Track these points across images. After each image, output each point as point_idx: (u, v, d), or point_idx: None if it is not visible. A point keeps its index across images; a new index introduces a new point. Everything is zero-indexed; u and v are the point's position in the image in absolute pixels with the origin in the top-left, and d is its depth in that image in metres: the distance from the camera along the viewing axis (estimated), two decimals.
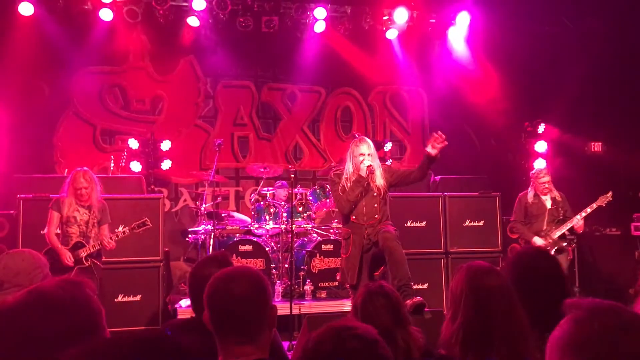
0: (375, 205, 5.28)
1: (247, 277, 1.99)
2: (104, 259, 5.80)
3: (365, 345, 1.46)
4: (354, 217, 5.27)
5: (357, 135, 8.30)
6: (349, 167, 5.30)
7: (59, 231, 5.66)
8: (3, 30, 7.85)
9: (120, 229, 5.72)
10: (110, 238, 5.63)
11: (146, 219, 5.85)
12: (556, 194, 6.64)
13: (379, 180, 5.29)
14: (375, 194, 5.28)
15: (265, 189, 7.83)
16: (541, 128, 9.19)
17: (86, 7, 8.16)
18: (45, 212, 6.41)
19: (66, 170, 8.24)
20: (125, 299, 6.42)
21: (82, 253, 5.56)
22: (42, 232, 6.39)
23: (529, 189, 6.78)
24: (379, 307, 2.57)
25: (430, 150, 5.11)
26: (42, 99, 8.50)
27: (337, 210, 7.62)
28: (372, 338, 1.49)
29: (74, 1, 8.11)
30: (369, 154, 5.25)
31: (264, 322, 1.97)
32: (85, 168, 5.82)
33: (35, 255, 2.77)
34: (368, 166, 5.16)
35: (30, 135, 8.25)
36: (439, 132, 5.14)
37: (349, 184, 5.23)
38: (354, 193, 5.19)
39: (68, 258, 5.48)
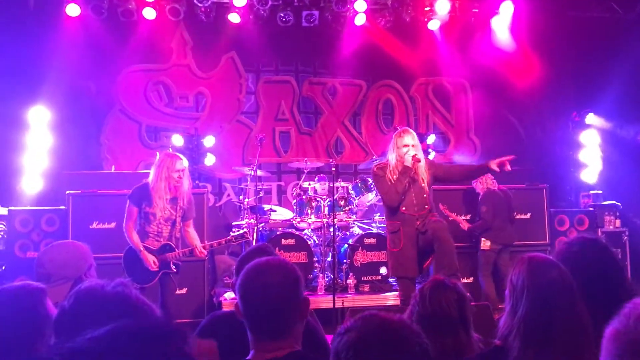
0: (425, 195, 5.22)
1: (278, 268, 1.96)
2: None
3: (395, 333, 1.43)
4: (404, 208, 5.19)
5: (399, 128, 8.26)
6: (392, 159, 5.23)
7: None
8: (52, 31, 8.09)
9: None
10: (204, 247, 5.22)
11: (246, 230, 5.58)
12: None
13: (424, 173, 5.22)
14: (423, 184, 5.21)
15: (307, 183, 7.84)
16: (589, 118, 8.92)
17: (130, 6, 8.32)
18: (93, 208, 6.61)
19: (113, 166, 8.45)
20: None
21: (170, 258, 5.12)
22: (90, 226, 6.59)
23: None
24: (450, 300, 2.47)
25: (494, 167, 5.04)
26: (89, 97, 8.72)
27: (380, 203, 7.61)
28: (399, 323, 1.46)
29: (118, 1, 8.29)
30: (412, 145, 5.18)
31: (296, 314, 1.94)
32: (176, 153, 5.32)
33: (80, 247, 2.83)
34: (413, 155, 5.09)
35: (78, 132, 8.47)
36: (509, 161, 5.08)
37: (394, 177, 5.17)
38: (401, 184, 5.12)
39: (153, 263, 5.02)
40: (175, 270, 5.18)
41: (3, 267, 6.79)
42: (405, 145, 5.17)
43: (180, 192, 5.11)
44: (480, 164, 5.28)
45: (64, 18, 8.13)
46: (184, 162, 5.18)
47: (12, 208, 6.90)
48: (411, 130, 5.34)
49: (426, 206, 5.23)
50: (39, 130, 7.99)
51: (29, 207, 7.13)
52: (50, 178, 7.88)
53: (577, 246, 2.44)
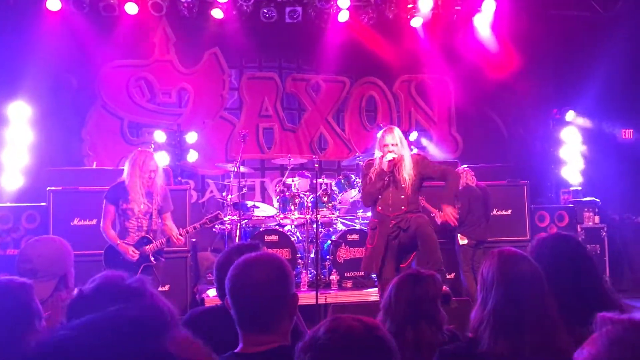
0: (402, 196, 5.20)
1: (267, 263, 1.96)
2: None
3: (365, 328, 1.44)
4: (379, 207, 5.24)
5: (381, 125, 8.28)
6: (377, 158, 5.27)
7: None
8: (32, 26, 7.99)
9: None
10: (180, 234, 5.27)
11: (219, 212, 5.62)
12: None
13: (408, 171, 5.19)
14: (403, 185, 5.19)
15: (290, 179, 7.85)
16: (569, 115, 9.03)
17: (112, 1, 8.25)
18: (74, 204, 6.56)
19: (95, 163, 8.37)
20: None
21: (149, 250, 5.17)
22: (71, 223, 6.54)
23: None
24: (410, 293, 2.52)
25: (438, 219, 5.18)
26: (71, 92, 8.64)
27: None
28: (375, 327, 1.47)
29: None
30: (393, 144, 5.16)
31: (284, 310, 1.94)
32: (149, 150, 5.43)
33: (64, 243, 2.81)
34: (389, 160, 5.10)
35: (59, 128, 8.39)
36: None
37: (374, 177, 5.21)
38: (374, 186, 5.18)
39: (132, 252, 5.07)
40: (155, 262, 5.22)
41: None
42: (385, 145, 5.17)
43: (155, 186, 5.21)
44: (443, 196, 5.38)
45: (44, 12, 8.04)
46: (157, 161, 5.27)
47: None
48: (395, 129, 5.32)
49: (402, 207, 5.18)
50: (19, 126, 7.90)
51: (9, 204, 7.05)
52: (31, 174, 7.80)
53: (550, 242, 2.47)
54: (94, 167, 8.11)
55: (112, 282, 1.72)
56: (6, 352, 1.73)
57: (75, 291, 1.78)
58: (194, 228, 5.46)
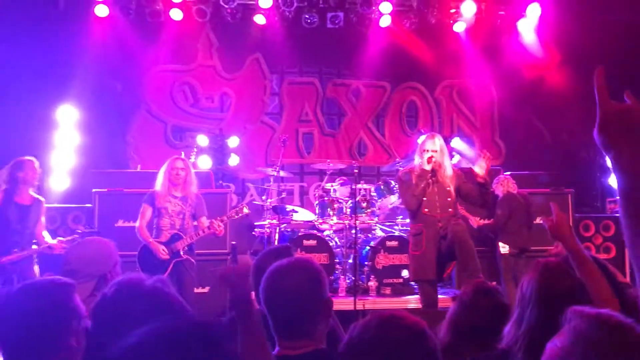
0: (449, 199, 5.23)
1: (301, 270, 1.97)
2: None
3: (410, 335, 1.42)
4: (426, 209, 5.20)
5: (422, 131, 8.23)
6: (416, 163, 5.33)
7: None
8: (80, 31, 8.22)
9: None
10: (208, 227, 5.52)
11: (244, 204, 5.92)
12: None
13: (448, 177, 5.26)
14: (448, 188, 5.22)
15: (329, 184, 7.85)
16: None
17: (157, 7, 8.43)
18: (118, 206, 6.70)
19: (139, 165, 8.55)
20: (195, 290, 6.59)
21: (180, 245, 5.42)
22: (116, 224, 6.69)
23: None
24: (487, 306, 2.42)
25: (478, 170, 5.02)
26: (116, 96, 8.85)
27: (403, 206, 7.59)
28: (419, 329, 1.45)
29: (146, 2, 8.41)
30: (433, 150, 5.21)
31: (318, 315, 1.94)
32: (182, 156, 5.89)
33: (105, 244, 2.87)
34: (429, 157, 5.14)
35: (105, 131, 8.60)
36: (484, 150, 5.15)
37: (415, 179, 5.21)
38: (417, 187, 5.16)
39: (162, 251, 5.35)
40: (185, 256, 5.42)
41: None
42: (426, 150, 5.21)
43: (188, 191, 5.55)
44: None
45: (92, 18, 8.27)
46: (186, 162, 5.68)
47: None
48: (437, 135, 5.38)
49: (449, 209, 5.22)
50: (67, 129, 8.14)
51: (56, 205, 7.26)
52: (78, 176, 8.01)
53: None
54: (138, 169, 8.28)
55: (132, 285, 1.76)
56: (44, 350, 1.77)
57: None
58: (222, 220, 5.61)
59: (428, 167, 5.15)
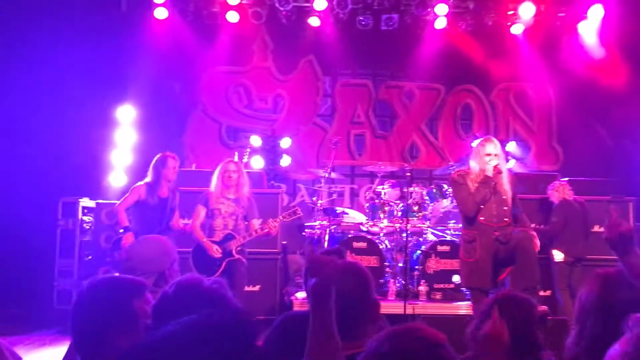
0: (505, 208, 5.09)
1: (352, 274, 2.01)
2: None
3: (426, 347, 1.40)
4: (482, 218, 5.08)
5: (477, 135, 8.09)
6: (474, 168, 5.15)
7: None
8: (140, 33, 8.46)
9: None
10: (261, 228, 5.66)
11: (297, 207, 6.05)
12: None
13: (506, 184, 5.13)
14: (504, 197, 5.10)
15: (381, 187, 7.82)
16: None
17: (214, 9, 8.60)
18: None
19: (194, 165, 8.74)
20: (246, 288, 6.69)
21: (232, 245, 5.56)
22: (171, 222, 6.85)
23: None
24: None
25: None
26: (173, 97, 9.07)
27: (455, 210, 7.46)
28: (436, 341, 1.43)
29: (203, 4, 8.59)
30: (495, 155, 5.08)
31: (366, 317, 1.98)
32: (234, 160, 6.13)
33: (164, 242, 2.95)
34: (495, 166, 5.00)
35: (161, 131, 8.82)
36: None
37: (474, 185, 5.08)
38: (480, 194, 5.02)
39: (216, 250, 5.49)
40: (237, 256, 5.54)
41: (89, 257, 7.18)
42: (488, 155, 5.07)
43: (240, 193, 5.69)
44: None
45: (152, 21, 8.51)
46: (238, 165, 5.86)
47: (99, 201, 7.29)
48: (494, 140, 5.24)
49: (506, 219, 5.09)
50: (127, 128, 8.40)
51: (114, 201, 7.49)
52: (135, 174, 8.24)
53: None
54: (194, 168, 8.45)
55: (191, 285, 1.81)
56: (102, 350, 1.83)
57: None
58: (274, 220, 5.72)
59: (490, 174, 5.03)
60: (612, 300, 1.81)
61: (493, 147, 5.11)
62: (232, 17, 8.58)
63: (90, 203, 7.47)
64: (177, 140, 9.18)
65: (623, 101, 8.61)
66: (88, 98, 7.83)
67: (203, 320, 1.16)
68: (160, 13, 8.45)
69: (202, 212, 5.70)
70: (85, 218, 7.40)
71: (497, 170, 5.01)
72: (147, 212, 5.65)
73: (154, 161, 5.95)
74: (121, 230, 5.52)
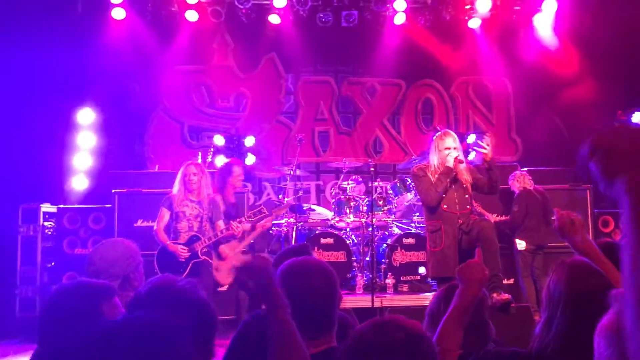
0: (467, 196, 5.29)
1: (321, 271, 2.02)
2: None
3: (408, 337, 1.45)
4: (445, 206, 5.24)
5: (438, 128, 8.20)
6: (434, 161, 5.31)
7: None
8: (98, 35, 8.32)
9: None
10: (226, 228, 5.67)
11: (262, 206, 6.04)
12: None
13: (466, 174, 5.30)
14: (465, 185, 5.28)
15: (346, 182, 7.88)
16: (636, 116, 8.68)
17: (173, 9, 8.52)
18: (138, 206, 6.80)
19: (157, 166, 8.65)
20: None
21: (198, 247, 5.55)
22: (135, 224, 6.78)
23: None
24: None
25: (484, 150, 5.15)
26: (134, 98, 8.95)
27: (419, 203, 7.56)
28: (416, 332, 1.48)
29: (162, 4, 8.50)
30: (454, 147, 5.25)
31: (335, 314, 2.00)
32: (196, 161, 6.10)
33: (128, 245, 2.92)
34: (455, 157, 5.17)
35: (123, 132, 8.72)
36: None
37: (435, 177, 5.20)
38: (442, 184, 5.18)
39: (181, 249, 5.48)
40: (203, 257, 5.55)
41: (52, 263, 7.05)
42: (447, 148, 5.24)
43: (203, 195, 5.67)
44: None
45: (110, 21, 8.37)
46: (199, 167, 5.78)
47: (61, 206, 7.16)
48: (453, 133, 5.41)
49: (468, 206, 5.28)
50: (87, 131, 8.26)
51: (76, 205, 7.38)
52: (97, 177, 8.13)
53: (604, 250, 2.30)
54: (156, 170, 8.37)
55: (163, 284, 1.81)
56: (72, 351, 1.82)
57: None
58: (240, 222, 5.73)
59: (451, 165, 5.17)
60: (581, 289, 1.83)
61: (452, 140, 5.27)
62: (191, 16, 8.51)
63: (52, 208, 7.33)
64: (138, 141, 9.08)
65: (578, 93, 8.85)
66: (47, 101, 7.68)
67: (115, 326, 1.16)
68: (118, 13, 8.33)
69: (166, 214, 5.66)
70: (46, 224, 7.25)
71: (458, 161, 5.16)
72: (228, 220, 5.79)
73: (219, 170, 6.24)
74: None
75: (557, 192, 7.17)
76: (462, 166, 5.26)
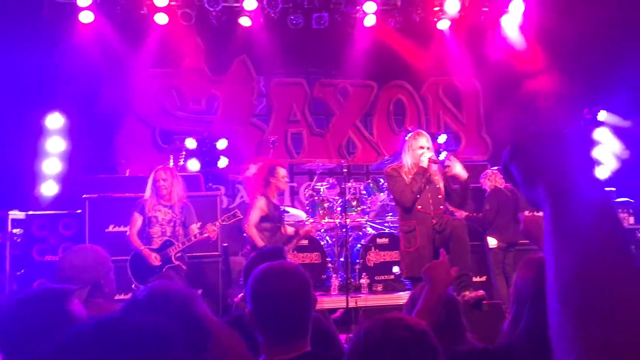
0: (440, 196, 5.31)
1: (294, 274, 1.99)
2: None
3: (413, 335, 1.48)
4: (419, 206, 5.25)
5: (410, 129, 8.27)
6: (407, 161, 5.30)
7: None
8: (66, 38, 8.21)
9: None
10: (200, 233, 5.60)
11: (237, 210, 5.96)
12: None
13: (438, 175, 5.36)
14: (438, 185, 5.32)
15: (319, 184, 7.90)
16: (601, 115, 8.89)
17: (142, 12, 8.44)
18: (109, 211, 6.72)
19: (128, 170, 8.54)
20: None
21: (172, 252, 5.50)
22: (106, 230, 6.69)
23: None
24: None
25: (459, 172, 5.16)
26: (104, 102, 8.83)
27: (392, 203, 7.62)
28: (421, 329, 1.51)
29: (131, 7, 8.41)
30: (428, 147, 5.28)
31: (309, 318, 1.97)
32: (167, 165, 6.03)
33: (98, 251, 2.89)
34: (429, 157, 5.20)
35: (93, 137, 8.59)
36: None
37: (409, 177, 5.23)
38: (417, 184, 5.19)
39: (154, 258, 5.42)
40: (177, 262, 5.50)
41: (22, 271, 6.91)
42: (421, 147, 5.25)
43: (174, 200, 5.61)
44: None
45: (77, 25, 8.25)
46: (169, 172, 5.73)
47: (30, 212, 7.02)
48: (425, 133, 5.44)
49: (441, 206, 5.31)
50: (56, 136, 8.12)
51: (46, 212, 7.25)
52: (67, 182, 8.00)
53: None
54: (127, 174, 8.27)
55: (162, 291, 1.80)
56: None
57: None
58: (214, 224, 5.65)
59: (425, 165, 5.20)
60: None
61: (425, 140, 5.30)
62: (161, 19, 8.44)
63: (20, 215, 7.18)
64: (109, 145, 8.96)
65: (545, 92, 9.03)
66: (14, 106, 7.54)
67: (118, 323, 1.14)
68: (86, 17, 8.21)
69: (138, 220, 5.60)
70: (15, 231, 7.11)
71: (432, 161, 5.20)
72: (274, 224, 5.80)
73: (261, 170, 6.08)
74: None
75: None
76: (436, 166, 5.30)
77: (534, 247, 5.88)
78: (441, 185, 5.35)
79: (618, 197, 8.29)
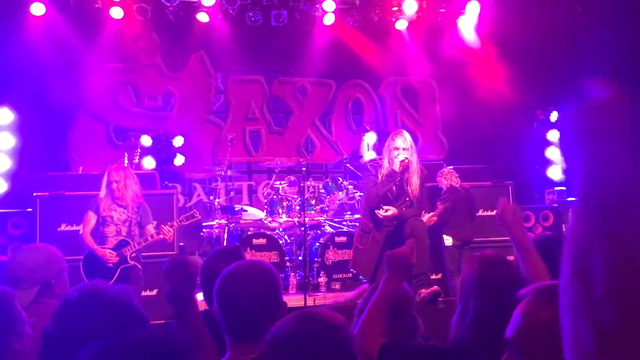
0: (407, 199, 5.21)
1: (259, 274, 1.97)
2: None
3: (325, 329, 1.48)
4: (383, 212, 5.19)
5: (368, 128, 8.32)
6: (385, 162, 5.23)
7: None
8: (15, 31, 7.93)
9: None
10: (156, 233, 5.50)
11: (195, 211, 5.88)
12: None
13: (415, 178, 5.18)
14: (407, 198, 5.17)
15: (278, 182, 7.87)
16: (554, 116, 9.14)
17: (97, 5, 8.24)
18: (61, 210, 6.54)
19: (81, 168, 8.33)
20: (142, 293, 6.48)
21: (127, 252, 5.42)
22: (58, 229, 6.51)
23: None
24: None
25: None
26: (56, 97, 8.56)
27: (350, 202, 7.68)
28: (335, 324, 1.51)
29: (85, 0, 8.19)
30: (404, 149, 5.14)
31: (274, 318, 1.93)
32: (120, 164, 5.90)
33: (49, 250, 2.81)
34: (402, 160, 5.07)
35: (45, 134, 8.33)
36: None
37: (381, 178, 5.16)
38: (384, 187, 5.11)
39: (109, 254, 5.32)
40: (132, 263, 5.41)
41: None
42: (396, 149, 5.15)
43: (126, 200, 5.50)
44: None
45: (28, 17, 7.99)
46: (121, 172, 5.58)
47: None
48: (405, 133, 5.31)
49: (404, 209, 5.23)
50: (5, 132, 7.84)
51: None
52: (17, 180, 7.74)
53: (542, 243, 2.47)
54: (80, 172, 8.07)
55: (94, 290, 1.76)
56: None
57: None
58: (171, 226, 5.57)
59: (397, 169, 5.09)
60: (491, 280, 1.95)
61: (402, 141, 5.19)
62: (116, 13, 8.25)
63: None
64: (61, 142, 8.71)
65: (500, 93, 9.21)
66: None
67: (126, 342, 1.12)
68: (37, 9, 7.94)
69: (92, 218, 5.48)
70: None
71: (404, 165, 5.09)
72: None
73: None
74: None
75: (480, 189, 7.43)
76: (412, 170, 5.16)
77: (489, 244, 6.00)
78: (416, 188, 5.17)
79: (569, 197, 8.55)
